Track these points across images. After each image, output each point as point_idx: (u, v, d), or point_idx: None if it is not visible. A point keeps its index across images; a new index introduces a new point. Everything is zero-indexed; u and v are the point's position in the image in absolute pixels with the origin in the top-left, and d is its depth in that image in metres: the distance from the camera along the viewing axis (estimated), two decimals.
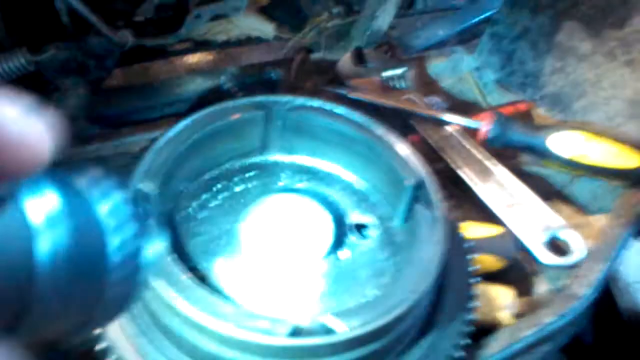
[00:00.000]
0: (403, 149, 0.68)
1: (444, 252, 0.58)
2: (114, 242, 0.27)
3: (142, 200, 0.59)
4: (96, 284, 0.27)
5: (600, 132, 0.83)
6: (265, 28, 1.19)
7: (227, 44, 1.17)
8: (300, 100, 0.72)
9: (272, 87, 1.00)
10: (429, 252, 0.58)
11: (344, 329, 0.51)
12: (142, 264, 0.29)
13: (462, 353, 0.58)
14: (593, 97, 0.92)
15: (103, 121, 0.92)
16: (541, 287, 0.73)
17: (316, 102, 0.72)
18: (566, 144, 0.82)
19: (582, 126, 0.86)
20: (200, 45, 1.15)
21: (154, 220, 0.32)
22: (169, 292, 0.52)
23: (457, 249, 0.67)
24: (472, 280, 0.65)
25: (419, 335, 0.58)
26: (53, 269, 0.24)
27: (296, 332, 0.51)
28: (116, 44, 0.85)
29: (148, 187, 0.60)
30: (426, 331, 0.58)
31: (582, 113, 0.93)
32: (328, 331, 0.52)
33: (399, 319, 0.53)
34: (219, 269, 0.64)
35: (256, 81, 1.00)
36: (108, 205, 0.27)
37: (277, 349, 0.50)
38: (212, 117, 0.69)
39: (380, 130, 0.70)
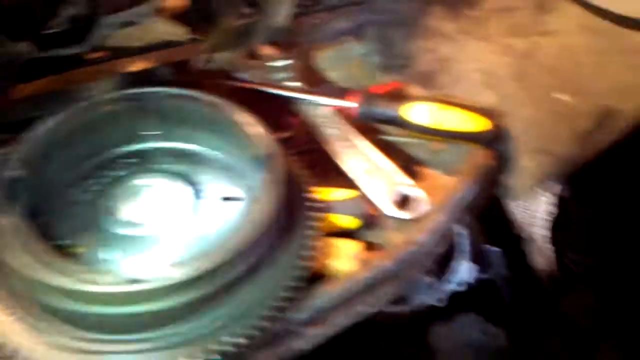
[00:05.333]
0: (255, 126, 0.78)
1: (273, 211, 0.68)
2: None
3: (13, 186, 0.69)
4: None
5: (456, 102, 0.93)
6: (178, 31, 1.28)
7: (144, 49, 1.27)
8: (169, 90, 0.83)
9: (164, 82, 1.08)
10: (260, 211, 0.68)
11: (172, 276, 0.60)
12: None
13: (292, 293, 0.68)
14: (456, 72, 1.02)
15: (10, 129, 1.00)
16: (391, 241, 0.82)
17: (184, 92, 0.83)
18: (423, 114, 0.92)
19: (442, 98, 0.96)
20: (116, 51, 1.24)
21: None
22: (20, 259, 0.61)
23: (303, 210, 0.77)
24: (316, 235, 0.75)
25: (248, 279, 0.67)
26: None
27: (135, 282, 0.61)
28: (15, 54, 0.94)
29: (18, 173, 0.70)
30: (258, 275, 0.67)
31: (448, 87, 1.02)
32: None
33: (219, 267, 0.62)
34: (96, 244, 0.73)
35: (148, 81, 1.09)
36: None
37: (112, 295, 0.60)
38: (85, 109, 0.79)
39: (236, 112, 0.80)
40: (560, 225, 1.37)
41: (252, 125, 0.78)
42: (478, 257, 1.47)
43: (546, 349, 1.41)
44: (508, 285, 1.48)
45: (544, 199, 1.29)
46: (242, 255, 0.64)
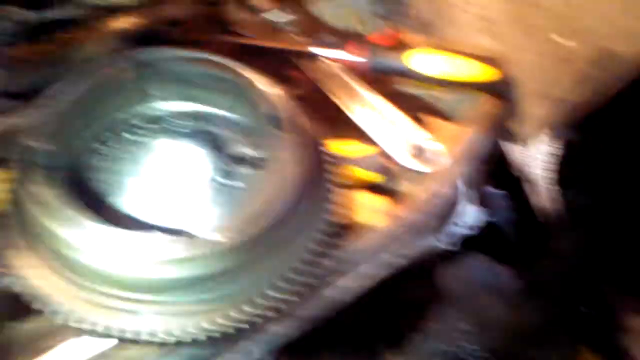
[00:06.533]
0: (268, 86, 0.77)
1: (301, 171, 0.69)
2: None
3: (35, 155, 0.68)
4: None
5: (457, 49, 0.92)
6: None
7: (139, 6, 1.23)
8: (182, 53, 0.81)
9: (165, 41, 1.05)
10: (285, 171, 0.68)
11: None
12: None
13: (324, 249, 0.69)
14: (450, 15, 1.01)
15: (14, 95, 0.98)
16: (412, 193, 0.83)
17: (187, 53, 0.82)
18: (431, 64, 0.92)
19: (447, 47, 0.95)
20: (110, 11, 1.20)
21: None
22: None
23: (324, 166, 0.78)
24: (337, 190, 0.76)
25: (286, 236, 0.68)
26: None
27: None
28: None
29: (39, 143, 0.69)
30: (293, 233, 0.68)
31: (446, 34, 1.01)
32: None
33: (265, 230, 0.64)
34: (121, 205, 0.74)
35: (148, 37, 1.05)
36: None
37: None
38: (89, 74, 0.77)
39: (244, 70, 0.79)
40: (565, 167, 1.39)
41: (265, 85, 0.77)
42: (483, 200, 1.49)
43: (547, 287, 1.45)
44: (513, 227, 1.51)
45: (543, 140, 1.30)
46: (284, 218, 0.65)
